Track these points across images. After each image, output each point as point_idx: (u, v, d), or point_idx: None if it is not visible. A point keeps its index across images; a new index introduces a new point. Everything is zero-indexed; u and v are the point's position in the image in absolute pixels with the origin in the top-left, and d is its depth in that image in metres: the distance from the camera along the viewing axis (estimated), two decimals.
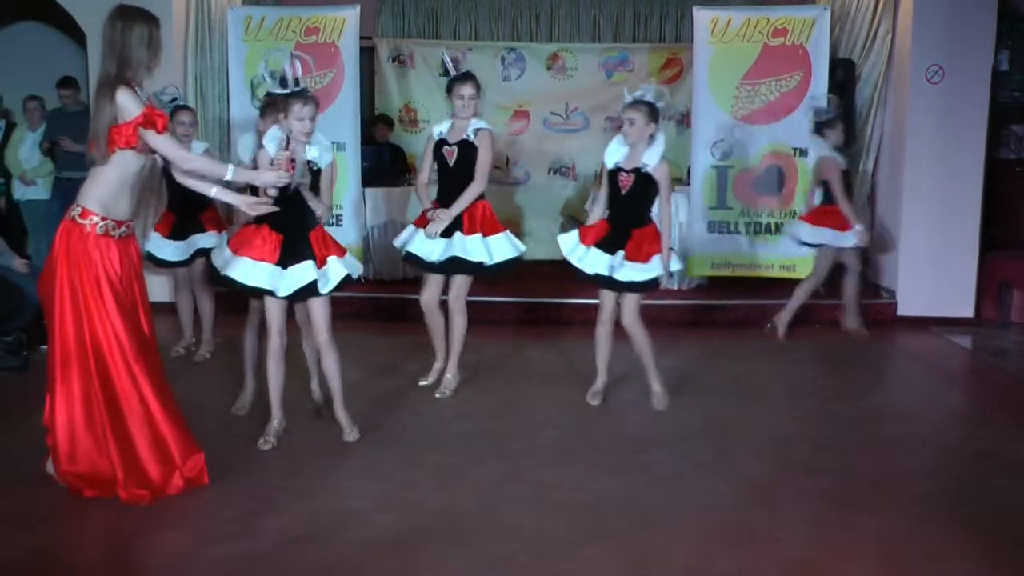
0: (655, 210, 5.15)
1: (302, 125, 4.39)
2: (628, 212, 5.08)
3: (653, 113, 4.98)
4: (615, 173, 5.08)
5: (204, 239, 6.20)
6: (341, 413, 4.74)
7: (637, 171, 5.01)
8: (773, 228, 7.83)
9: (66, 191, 8.25)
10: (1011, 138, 8.58)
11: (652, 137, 5.01)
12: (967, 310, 7.62)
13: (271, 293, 4.41)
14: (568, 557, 3.47)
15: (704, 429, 4.98)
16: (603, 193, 5.24)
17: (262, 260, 4.38)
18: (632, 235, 5.05)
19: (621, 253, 5.02)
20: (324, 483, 4.14)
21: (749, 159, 7.82)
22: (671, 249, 5.11)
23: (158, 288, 7.66)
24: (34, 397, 5.47)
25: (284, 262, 4.40)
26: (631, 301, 5.14)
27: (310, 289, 4.42)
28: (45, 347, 6.29)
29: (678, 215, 7.97)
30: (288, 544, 3.54)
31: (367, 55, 9.52)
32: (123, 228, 3.93)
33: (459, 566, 3.41)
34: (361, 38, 8.14)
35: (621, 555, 3.49)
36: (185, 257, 6.23)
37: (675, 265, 5.14)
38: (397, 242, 5.54)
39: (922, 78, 7.53)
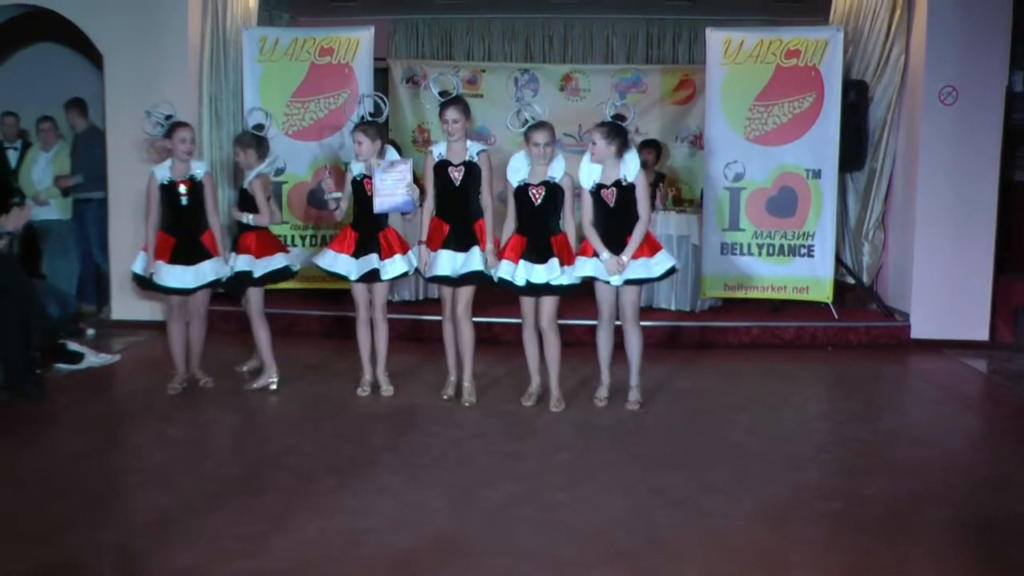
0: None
1: (357, 148, 5.62)
2: (542, 223, 5.49)
3: (554, 134, 5.47)
4: (524, 189, 5.48)
5: (212, 269, 5.75)
6: (382, 374, 5.91)
7: (546, 184, 5.45)
8: (786, 250, 7.81)
9: (84, 212, 8.32)
10: None
11: (553, 154, 5.50)
12: (982, 333, 7.57)
13: (345, 277, 5.68)
14: None
15: (717, 451, 4.96)
16: (511, 208, 5.59)
17: (342, 252, 5.69)
18: (551, 243, 5.45)
19: (555, 260, 5.39)
20: (335, 502, 4.14)
21: (762, 180, 7.81)
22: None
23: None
24: (47, 414, 5.52)
25: (357, 254, 5.66)
26: (550, 305, 5.48)
27: (375, 275, 5.65)
28: (60, 365, 6.35)
29: (692, 236, 7.99)
30: (298, 563, 3.53)
31: (381, 76, 9.57)
32: None
33: None
34: (375, 59, 8.19)
35: None
36: (192, 286, 5.71)
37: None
38: (422, 267, 5.68)
39: (935, 99, 7.53)
